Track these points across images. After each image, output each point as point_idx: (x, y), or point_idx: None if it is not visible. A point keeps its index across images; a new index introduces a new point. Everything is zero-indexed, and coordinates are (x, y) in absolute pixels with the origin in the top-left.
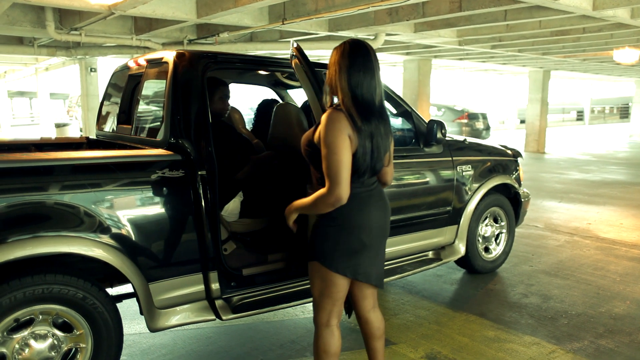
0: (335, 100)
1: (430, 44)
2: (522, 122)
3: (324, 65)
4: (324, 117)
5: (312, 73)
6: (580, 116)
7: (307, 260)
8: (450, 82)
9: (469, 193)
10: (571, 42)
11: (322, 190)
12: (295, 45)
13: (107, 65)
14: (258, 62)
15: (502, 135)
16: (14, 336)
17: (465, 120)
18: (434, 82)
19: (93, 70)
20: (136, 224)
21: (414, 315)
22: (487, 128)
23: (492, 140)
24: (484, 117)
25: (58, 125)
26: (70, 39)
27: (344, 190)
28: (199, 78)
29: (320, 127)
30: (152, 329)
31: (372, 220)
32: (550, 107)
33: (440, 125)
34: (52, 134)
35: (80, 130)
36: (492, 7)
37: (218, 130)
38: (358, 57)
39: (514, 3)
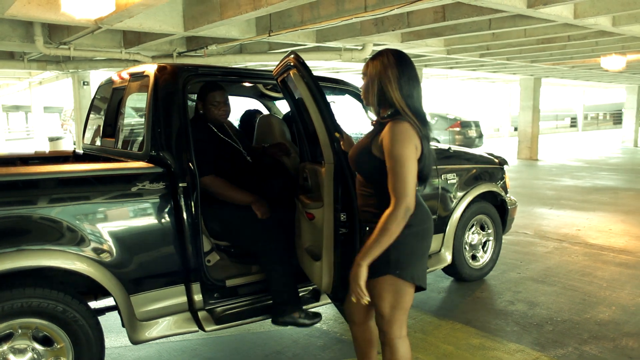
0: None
1: (419, 53)
2: (516, 129)
3: (320, 78)
4: (389, 130)
5: (314, 84)
6: (573, 123)
7: (374, 277)
8: (442, 90)
9: (454, 201)
10: (558, 49)
11: (390, 211)
12: (293, 55)
13: (100, 79)
14: (240, 74)
15: (496, 142)
16: None
17: (458, 129)
18: (426, 91)
19: (86, 83)
20: (117, 236)
21: None
22: (480, 136)
23: (484, 148)
24: (477, 125)
25: (51, 139)
26: (59, 53)
27: (413, 200)
28: (180, 91)
29: (388, 139)
30: (134, 341)
31: (433, 223)
32: (543, 114)
33: None
34: (46, 147)
35: (74, 144)
36: (475, 16)
37: (202, 138)
38: (405, 67)
39: (496, 12)
